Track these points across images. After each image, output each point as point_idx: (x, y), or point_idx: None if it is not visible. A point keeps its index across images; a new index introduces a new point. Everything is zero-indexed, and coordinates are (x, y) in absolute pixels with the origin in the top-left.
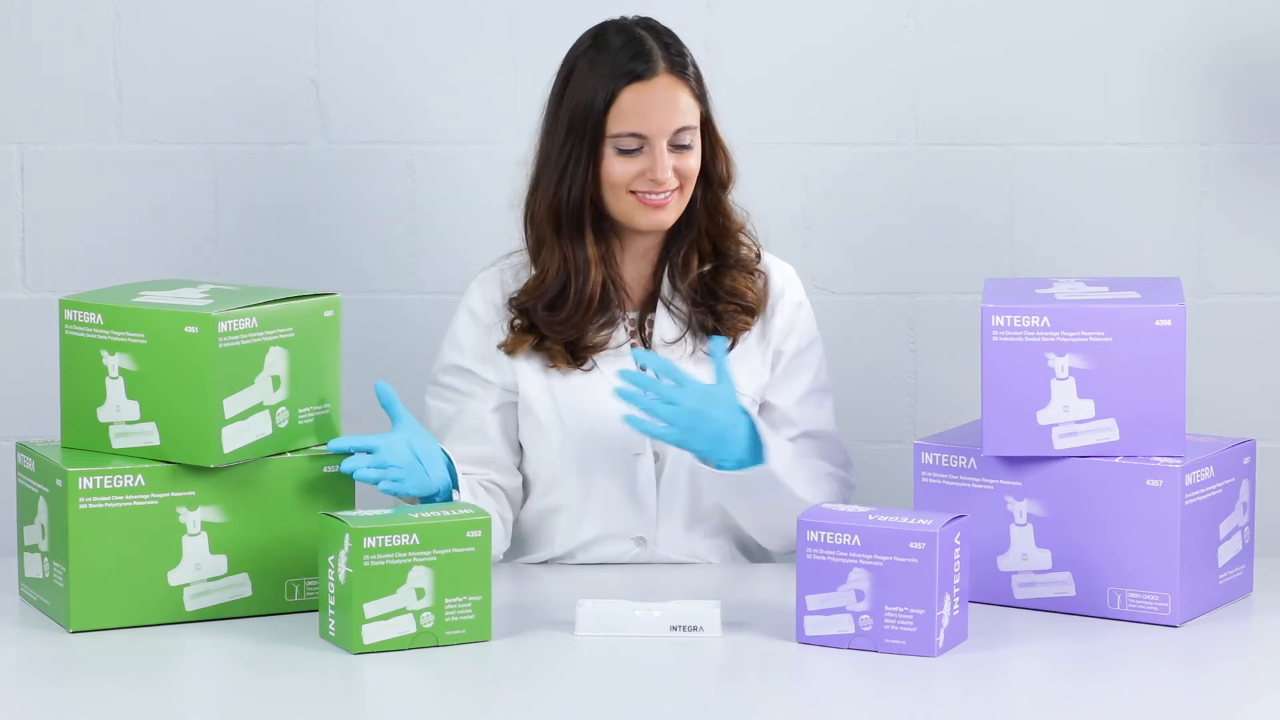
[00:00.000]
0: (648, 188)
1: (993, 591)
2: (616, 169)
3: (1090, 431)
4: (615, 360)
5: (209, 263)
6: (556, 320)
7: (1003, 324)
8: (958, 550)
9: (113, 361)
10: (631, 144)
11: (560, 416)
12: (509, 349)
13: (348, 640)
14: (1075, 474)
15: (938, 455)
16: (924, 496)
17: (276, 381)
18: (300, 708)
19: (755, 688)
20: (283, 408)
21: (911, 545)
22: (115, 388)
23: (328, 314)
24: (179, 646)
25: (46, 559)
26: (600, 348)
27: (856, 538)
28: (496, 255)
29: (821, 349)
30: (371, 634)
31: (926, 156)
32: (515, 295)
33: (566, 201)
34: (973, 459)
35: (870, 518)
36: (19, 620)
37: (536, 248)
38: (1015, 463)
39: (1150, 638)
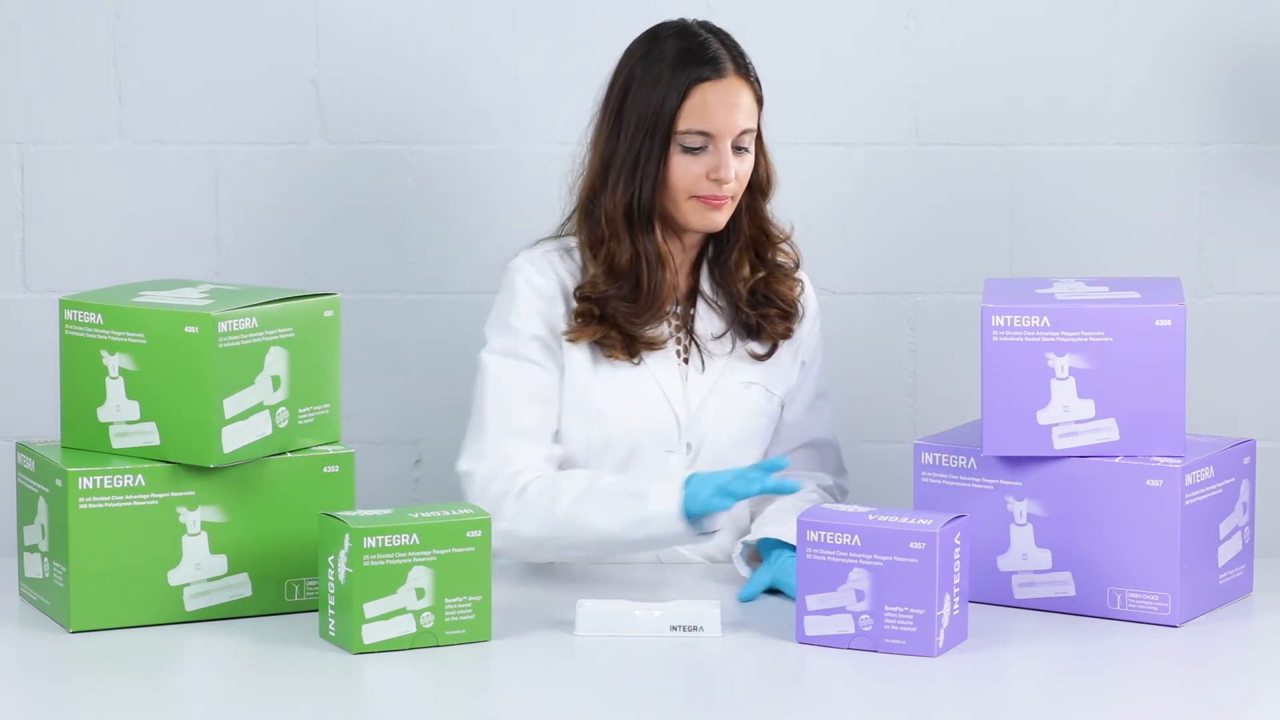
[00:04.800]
0: (709, 190)
1: (993, 591)
2: (680, 168)
3: (1090, 431)
4: (660, 356)
5: (209, 263)
6: (634, 312)
7: (1003, 324)
8: (958, 550)
9: (113, 361)
10: (697, 142)
11: (603, 409)
12: (573, 338)
13: (348, 640)
14: (1075, 474)
15: (938, 455)
16: (924, 496)
17: (276, 381)
18: (300, 708)
19: (755, 688)
20: (283, 408)
21: (911, 545)
22: (115, 388)
23: (328, 314)
24: (179, 646)
25: (46, 559)
26: (657, 342)
27: (856, 538)
28: (521, 245)
29: (824, 356)
30: (371, 634)
31: (926, 156)
32: (582, 285)
33: (638, 198)
34: (973, 459)
35: (870, 518)
36: (19, 620)
37: (598, 242)
38: (1015, 463)
39: (1150, 638)
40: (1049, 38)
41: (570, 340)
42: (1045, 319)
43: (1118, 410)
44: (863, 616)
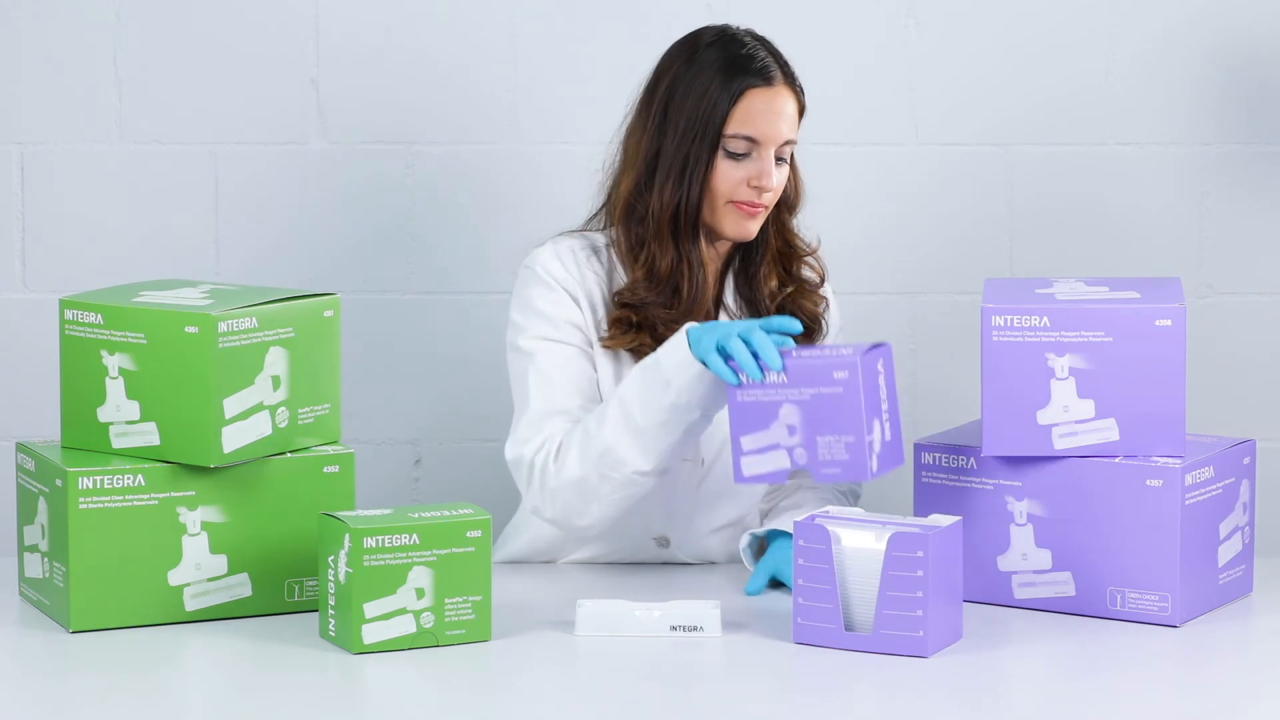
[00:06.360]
0: (747, 197)
1: (993, 591)
2: (722, 173)
3: (1090, 431)
4: None
5: (209, 263)
6: (673, 319)
7: (1003, 324)
8: (882, 376)
9: (113, 361)
10: (742, 148)
11: None
12: (610, 345)
13: (348, 640)
14: (1075, 474)
15: (938, 455)
16: (924, 496)
17: (276, 381)
18: (300, 708)
19: (755, 688)
20: (283, 408)
21: (835, 375)
22: (115, 388)
23: (328, 314)
24: (179, 646)
25: (46, 559)
26: None
27: (783, 375)
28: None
29: None
30: (371, 634)
31: (926, 156)
32: (621, 292)
33: (685, 203)
34: (973, 459)
35: (795, 355)
36: (19, 620)
37: (639, 243)
38: (1015, 463)
39: (1150, 638)
40: (1049, 38)
41: (606, 347)
42: (1045, 319)
43: (1118, 410)
44: (797, 450)
